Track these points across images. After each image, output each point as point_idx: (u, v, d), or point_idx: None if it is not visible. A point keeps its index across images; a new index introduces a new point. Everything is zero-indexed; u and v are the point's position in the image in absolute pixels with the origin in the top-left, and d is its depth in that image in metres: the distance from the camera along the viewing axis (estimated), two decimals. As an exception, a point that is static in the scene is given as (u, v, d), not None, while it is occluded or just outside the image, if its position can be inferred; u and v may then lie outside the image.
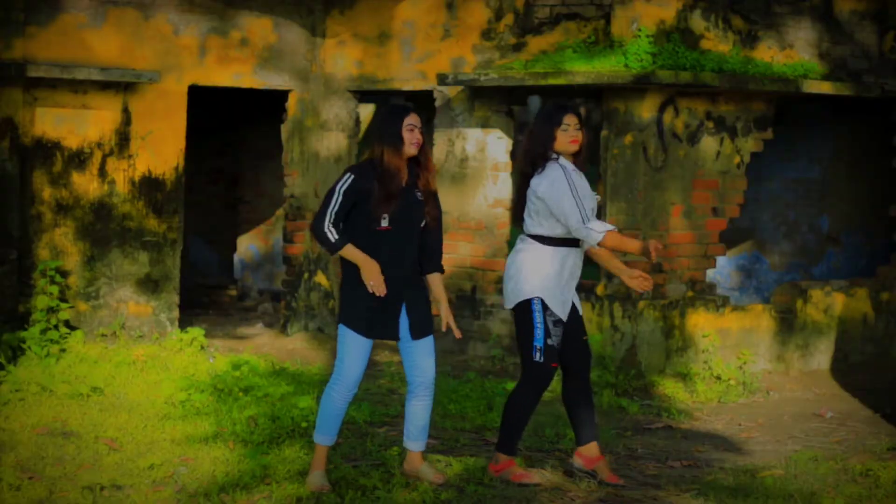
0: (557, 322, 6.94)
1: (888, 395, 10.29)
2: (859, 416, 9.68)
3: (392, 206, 6.63)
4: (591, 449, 7.16)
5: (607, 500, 6.87)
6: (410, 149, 6.71)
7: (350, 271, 6.74)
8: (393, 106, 6.90)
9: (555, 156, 6.99)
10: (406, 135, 6.69)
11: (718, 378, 10.46)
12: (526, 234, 7.06)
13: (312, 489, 6.65)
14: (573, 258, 7.01)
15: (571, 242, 6.99)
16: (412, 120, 6.72)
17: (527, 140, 7.10)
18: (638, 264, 9.84)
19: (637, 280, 6.95)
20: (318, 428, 6.81)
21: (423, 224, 6.80)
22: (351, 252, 6.65)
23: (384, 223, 6.68)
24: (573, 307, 7.06)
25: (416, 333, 6.81)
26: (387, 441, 7.87)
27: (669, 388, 10.22)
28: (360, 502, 6.56)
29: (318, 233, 6.66)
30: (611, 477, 7.12)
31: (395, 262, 6.70)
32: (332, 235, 6.63)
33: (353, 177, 6.68)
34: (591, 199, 6.96)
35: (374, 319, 6.71)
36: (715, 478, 7.43)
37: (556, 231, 6.94)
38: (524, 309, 6.96)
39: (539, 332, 6.94)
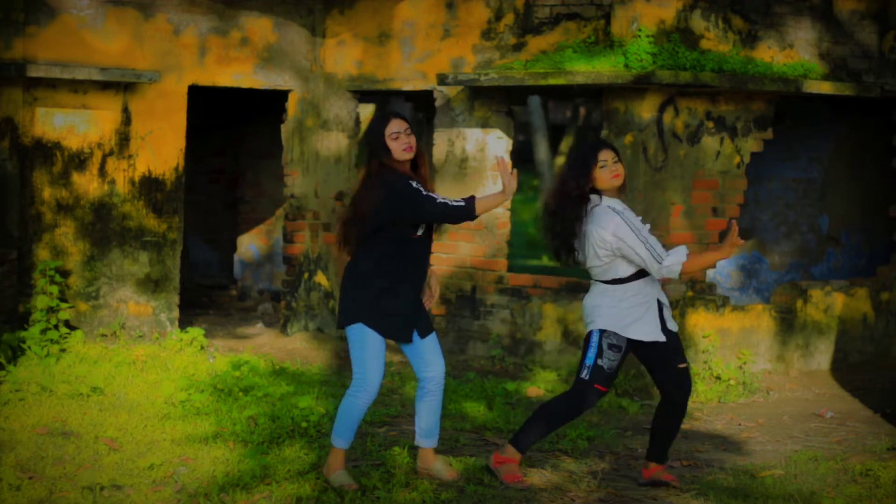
0: (613, 346, 6.92)
1: (888, 395, 10.29)
2: (859, 416, 9.68)
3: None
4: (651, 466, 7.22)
5: (607, 500, 6.87)
6: (402, 155, 6.69)
7: (364, 271, 6.74)
8: (374, 119, 6.93)
9: (598, 197, 6.95)
10: (391, 143, 6.67)
11: (718, 378, 10.46)
12: (599, 280, 7.00)
13: (337, 485, 6.68)
14: (650, 286, 7.00)
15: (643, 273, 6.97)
16: (394, 127, 6.70)
17: (560, 181, 7.06)
18: None
19: (732, 249, 6.96)
20: (337, 431, 6.82)
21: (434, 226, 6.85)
22: (484, 203, 6.67)
23: (420, 232, 6.74)
24: (667, 331, 7.01)
25: (423, 332, 6.86)
26: (387, 441, 7.87)
27: (669, 388, 10.21)
28: (360, 502, 6.56)
29: (458, 211, 6.66)
30: (666, 477, 7.17)
31: (421, 269, 6.75)
32: (457, 202, 6.65)
33: (412, 181, 6.68)
34: (650, 234, 6.95)
35: (408, 322, 6.74)
36: (715, 478, 7.44)
37: (630, 270, 6.95)
38: (588, 336, 7.01)
39: (592, 352, 6.95)
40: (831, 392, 10.68)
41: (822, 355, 11.57)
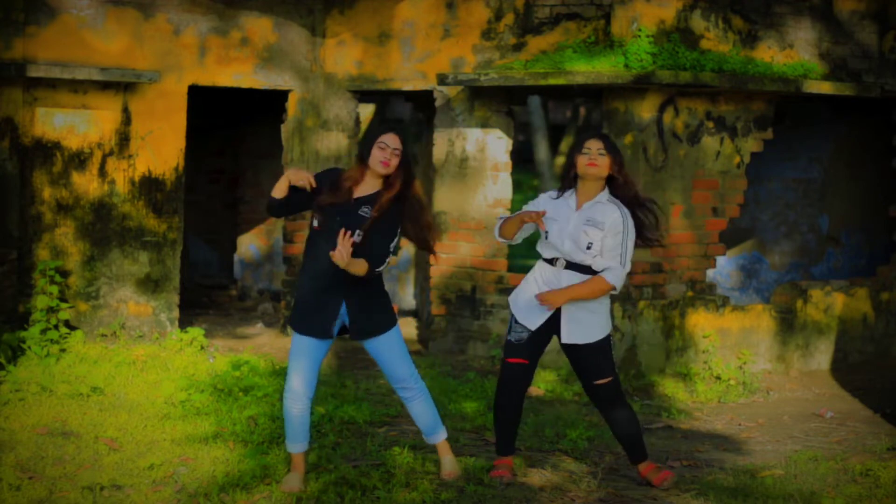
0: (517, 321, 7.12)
1: (888, 395, 10.29)
2: (859, 416, 9.68)
3: (323, 211, 6.66)
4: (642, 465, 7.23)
5: (607, 500, 6.87)
6: (377, 167, 6.67)
7: (301, 265, 6.85)
8: (376, 124, 6.96)
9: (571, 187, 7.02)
10: (375, 151, 6.67)
11: (718, 378, 10.46)
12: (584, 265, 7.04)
13: (283, 489, 6.66)
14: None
15: None
16: (386, 139, 6.67)
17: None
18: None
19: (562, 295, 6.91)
20: (285, 436, 6.84)
21: (359, 236, 6.64)
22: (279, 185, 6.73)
23: (315, 223, 6.71)
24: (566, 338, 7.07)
25: (358, 334, 6.78)
26: (387, 441, 7.87)
27: (669, 388, 10.22)
28: (360, 502, 6.56)
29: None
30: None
31: (328, 264, 6.61)
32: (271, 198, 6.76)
33: (321, 170, 6.86)
34: (548, 221, 6.99)
35: (307, 315, 6.71)
36: (715, 478, 7.43)
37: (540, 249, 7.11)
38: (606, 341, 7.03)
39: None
40: (831, 392, 10.68)
41: (822, 355, 11.57)
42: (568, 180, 7.00)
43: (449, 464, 7.04)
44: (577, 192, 6.98)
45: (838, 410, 9.84)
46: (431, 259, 6.94)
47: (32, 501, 6.46)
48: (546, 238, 6.93)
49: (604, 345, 6.97)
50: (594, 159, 6.89)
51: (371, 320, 6.77)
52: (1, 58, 10.75)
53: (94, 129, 11.27)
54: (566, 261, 6.92)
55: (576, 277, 6.90)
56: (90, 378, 9.50)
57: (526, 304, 6.99)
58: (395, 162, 6.64)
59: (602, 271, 6.87)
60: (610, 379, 6.98)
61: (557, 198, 7.02)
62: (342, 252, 6.44)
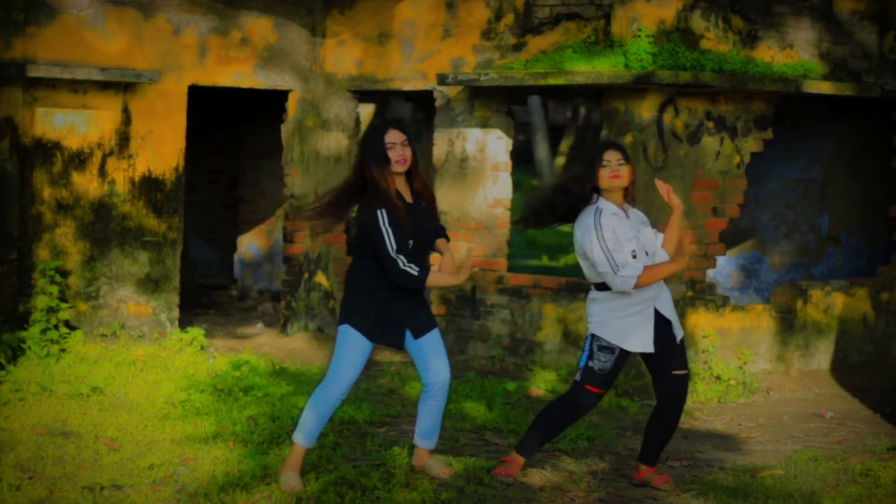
0: (604, 348, 6.91)
1: (888, 395, 10.29)
2: (859, 416, 9.68)
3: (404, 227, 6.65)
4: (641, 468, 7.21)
5: (607, 500, 6.87)
6: (396, 167, 6.69)
7: (360, 275, 6.75)
8: (372, 126, 6.90)
9: (595, 197, 6.93)
10: (390, 154, 6.67)
11: (718, 378, 10.46)
12: (591, 282, 7.02)
13: (285, 489, 6.64)
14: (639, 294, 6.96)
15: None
16: (392, 137, 6.69)
17: (567, 176, 7.08)
18: None
19: (685, 259, 6.87)
20: (300, 428, 6.77)
21: (434, 233, 6.85)
22: (436, 279, 6.73)
23: (411, 244, 6.72)
24: (668, 338, 6.99)
25: (418, 332, 6.82)
26: (387, 441, 7.87)
27: (669, 388, 10.22)
28: (360, 502, 6.56)
29: (402, 276, 6.65)
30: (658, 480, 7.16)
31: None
32: (412, 270, 6.66)
33: (384, 209, 6.65)
34: (631, 242, 6.85)
35: (381, 324, 6.72)
36: (715, 478, 7.44)
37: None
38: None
39: (585, 354, 6.99)
40: (831, 392, 10.68)
41: (822, 355, 11.57)
42: (585, 194, 6.92)
43: (438, 463, 7.03)
44: (615, 201, 6.94)
45: (838, 410, 9.83)
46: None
47: (32, 501, 6.46)
48: (634, 258, 6.83)
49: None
50: (616, 170, 6.89)
51: (427, 316, 6.88)
52: (1, 58, 10.75)
53: (94, 129, 11.27)
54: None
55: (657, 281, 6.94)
56: (90, 378, 9.50)
57: (633, 330, 6.88)
58: (408, 153, 6.70)
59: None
60: (688, 372, 7.06)
61: (609, 213, 6.91)
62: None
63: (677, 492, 7.04)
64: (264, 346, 11.99)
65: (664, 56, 10.34)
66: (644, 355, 6.99)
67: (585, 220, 6.87)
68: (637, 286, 6.79)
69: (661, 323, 6.96)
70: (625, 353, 6.92)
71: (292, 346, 12.04)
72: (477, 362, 11.20)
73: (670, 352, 6.97)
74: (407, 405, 9.16)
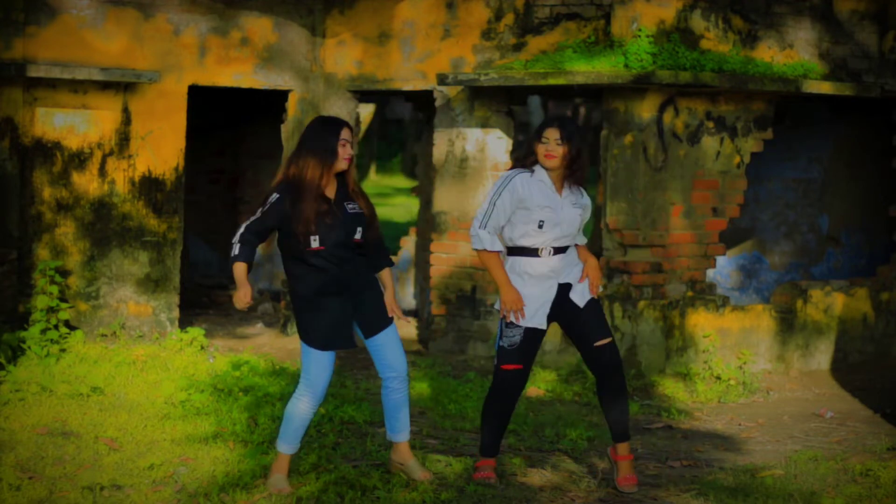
0: (510, 323, 6.90)
1: (888, 395, 10.29)
2: (859, 416, 9.68)
3: (317, 225, 6.55)
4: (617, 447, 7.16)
5: (607, 500, 6.87)
6: (342, 163, 6.67)
7: (296, 285, 6.69)
8: (324, 119, 6.81)
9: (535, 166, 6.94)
10: (340, 150, 6.65)
11: (718, 378, 10.46)
12: None
13: (273, 492, 6.64)
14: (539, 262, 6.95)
15: (529, 252, 6.93)
16: (346, 135, 6.66)
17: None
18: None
19: (508, 308, 6.85)
20: (282, 437, 6.77)
21: (356, 238, 6.68)
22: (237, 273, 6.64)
23: (314, 244, 6.59)
24: (569, 307, 6.96)
25: (369, 331, 6.79)
26: (387, 441, 7.86)
27: (669, 388, 10.22)
28: (360, 502, 6.56)
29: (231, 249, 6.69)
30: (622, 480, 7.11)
31: (336, 275, 6.64)
32: (236, 247, 6.63)
33: (278, 196, 6.57)
34: (544, 210, 6.83)
35: (329, 332, 6.68)
36: (715, 478, 7.44)
37: (509, 240, 6.96)
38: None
39: (497, 335, 6.99)
40: (831, 392, 10.68)
41: (822, 355, 11.57)
42: (525, 165, 6.92)
43: (418, 466, 7.01)
44: (551, 175, 6.92)
45: (838, 410, 9.83)
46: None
47: (32, 501, 6.46)
48: (540, 228, 6.88)
49: (599, 302, 7.01)
50: (552, 150, 6.88)
51: (379, 313, 6.79)
52: (1, 58, 10.75)
53: (94, 129, 11.27)
54: (553, 248, 6.89)
55: (567, 257, 6.92)
56: (90, 378, 9.50)
57: (531, 304, 6.91)
58: (352, 152, 6.71)
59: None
60: (611, 339, 6.96)
61: (534, 179, 6.91)
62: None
63: (677, 492, 7.04)
64: (264, 346, 11.99)
65: (664, 56, 10.35)
66: (567, 334, 6.99)
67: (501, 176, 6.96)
68: (479, 255, 6.86)
69: (569, 297, 6.94)
70: (532, 329, 6.89)
71: (292, 346, 12.04)
72: (477, 362, 11.19)
73: (582, 322, 6.92)
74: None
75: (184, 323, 11.86)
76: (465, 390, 9.66)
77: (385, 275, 6.88)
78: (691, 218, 10.79)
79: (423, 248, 13.42)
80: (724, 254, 11.28)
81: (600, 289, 7.01)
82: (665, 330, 10.59)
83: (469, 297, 11.61)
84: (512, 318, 6.86)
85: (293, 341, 12.22)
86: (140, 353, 10.54)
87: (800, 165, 13.04)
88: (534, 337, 6.93)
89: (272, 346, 12.03)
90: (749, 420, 9.47)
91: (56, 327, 10.60)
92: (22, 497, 6.50)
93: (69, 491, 6.60)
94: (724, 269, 13.02)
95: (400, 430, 6.98)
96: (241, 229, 6.60)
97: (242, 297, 6.55)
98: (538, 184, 6.88)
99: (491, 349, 11.32)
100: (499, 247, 6.88)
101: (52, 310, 10.67)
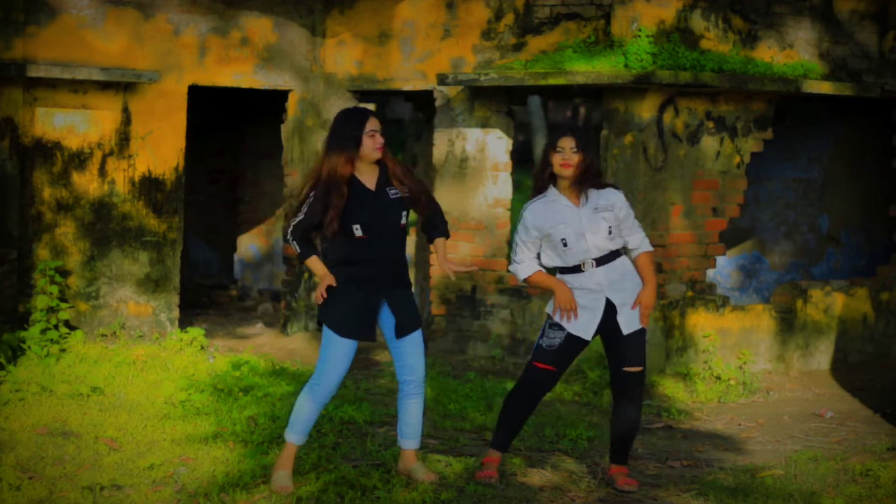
0: (554, 325, 6.94)
1: (888, 395, 10.29)
2: (859, 416, 9.68)
3: (357, 214, 6.61)
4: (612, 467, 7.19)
5: (607, 500, 6.87)
6: (374, 153, 6.69)
7: (331, 269, 6.73)
8: (347, 112, 6.84)
9: (549, 187, 6.97)
10: (367, 141, 6.67)
11: (718, 378, 10.46)
12: None
13: (275, 489, 6.63)
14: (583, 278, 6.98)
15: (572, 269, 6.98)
16: (373, 125, 6.71)
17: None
18: None
19: (563, 306, 6.90)
20: (292, 426, 6.76)
21: (402, 222, 6.78)
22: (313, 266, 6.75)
23: (357, 233, 6.66)
24: (615, 331, 6.96)
25: (401, 332, 6.80)
26: (387, 441, 7.86)
27: (669, 388, 10.22)
28: (360, 502, 6.56)
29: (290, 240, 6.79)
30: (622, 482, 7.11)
31: (372, 267, 6.69)
32: (293, 240, 6.75)
33: (313, 195, 6.68)
34: (559, 228, 6.88)
35: (351, 321, 6.69)
36: (715, 478, 7.44)
37: (553, 262, 7.02)
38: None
39: (540, 333, 7.02)
40: (831, 392, 10.68)
41: (822, 355, 11.57)
42: (544, 180, 6.97)
43: (423, 468, 7.01)
44: (562, 190, 6.95)
45: (838, 410, 9.83)
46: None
47: (32, 501, 6.46)
48: (566, 246, 6.90)
49: (645, 332, 7.03)
50: (568, 158, 6.90)
51: (413, 316, 6.84)
52: (1, 58, 10.75)
53: (94, 129, 11.27)
54: (594, 260, 6.91)
55: (615, 270, 6.92)
56: (90, 378, 9.50)
57: (581, 314, 6.91)
58: (383, 141, 6.75)
59: (639, 244, 7.01)
60: (642, 369, 6.99)
61: (546, 202, 6.97)
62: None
63: (677, 492, 7.04)
64: (264, 346, 11.99)
65: (664, 56, 10.34)
66: (605, 347, 7.01)
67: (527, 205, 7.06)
68: (528, 283, 7.02)
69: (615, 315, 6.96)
70: (575, 336, 6.91)
71: (292, 346, 12.04)
72: (477, 362, 11.20)
73: (621, 346, 6.94)
74: (407, 405, 9.14)
75: (184, 323, 11.86)
76: (465, 390, 9.65)
77: (439, 242, 6.96)
78: (691, 218, 10.79)
79: (423, 248, 13.42)
80: (724, 254, 11.28)
81: (650, 319, 7.04)
82: (665, 330, 10.59)
83: (469, 297, 11.61)
84: (559, 318, 6.90)
85: (293, 341, 12.22)
86: (140, 353, 10.54)
87: (800, 165, 13.04)
88: (575, 345, 6.95)
89: (272, 346, 12.03)
90: (749, 420, 9.47)
91: (56, 327, 10.60)
92: (22, 497, 6.50)
93: (69, 491, 6.60)
94: (724, 269, 13.02)
95: (409, 437, 6.96)
96: (291, 229, 6.70)
97: (328, 282, 6.65)
98: (551, 205, 6.94)
99: (491, 349, 11.33)
100: (536, 267, 6.99)
101: (52, 310, 10.67)
